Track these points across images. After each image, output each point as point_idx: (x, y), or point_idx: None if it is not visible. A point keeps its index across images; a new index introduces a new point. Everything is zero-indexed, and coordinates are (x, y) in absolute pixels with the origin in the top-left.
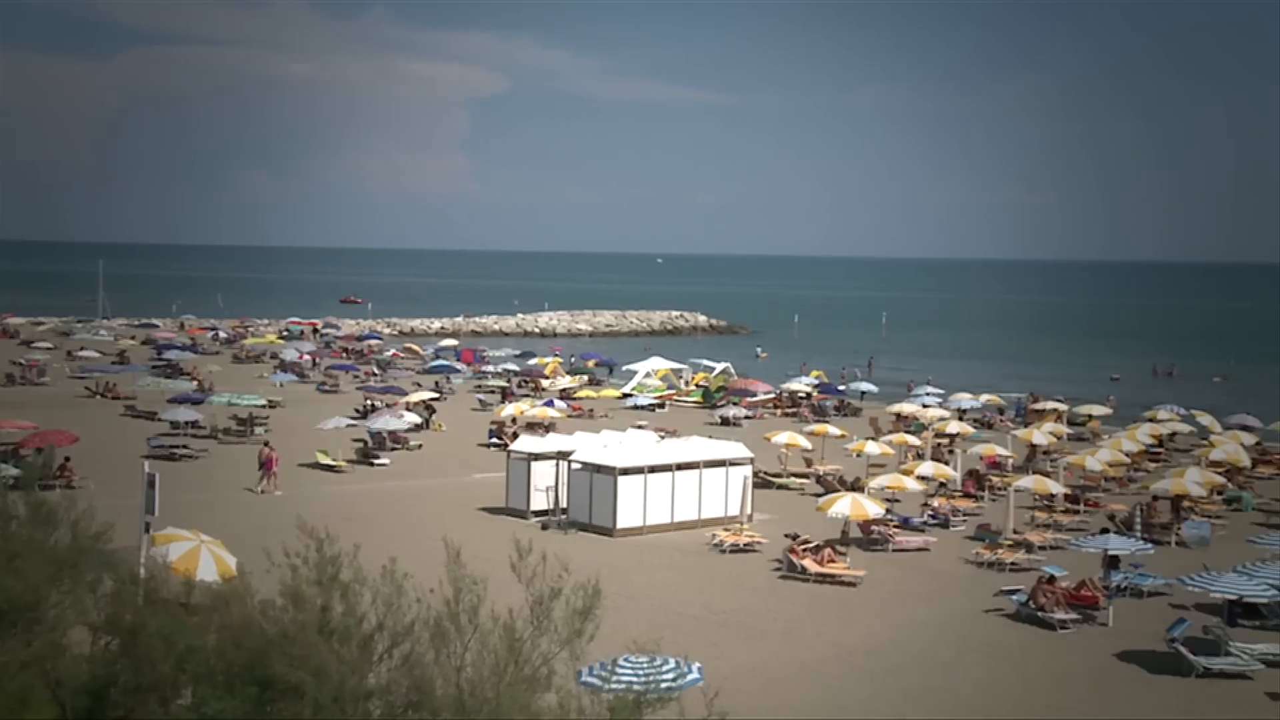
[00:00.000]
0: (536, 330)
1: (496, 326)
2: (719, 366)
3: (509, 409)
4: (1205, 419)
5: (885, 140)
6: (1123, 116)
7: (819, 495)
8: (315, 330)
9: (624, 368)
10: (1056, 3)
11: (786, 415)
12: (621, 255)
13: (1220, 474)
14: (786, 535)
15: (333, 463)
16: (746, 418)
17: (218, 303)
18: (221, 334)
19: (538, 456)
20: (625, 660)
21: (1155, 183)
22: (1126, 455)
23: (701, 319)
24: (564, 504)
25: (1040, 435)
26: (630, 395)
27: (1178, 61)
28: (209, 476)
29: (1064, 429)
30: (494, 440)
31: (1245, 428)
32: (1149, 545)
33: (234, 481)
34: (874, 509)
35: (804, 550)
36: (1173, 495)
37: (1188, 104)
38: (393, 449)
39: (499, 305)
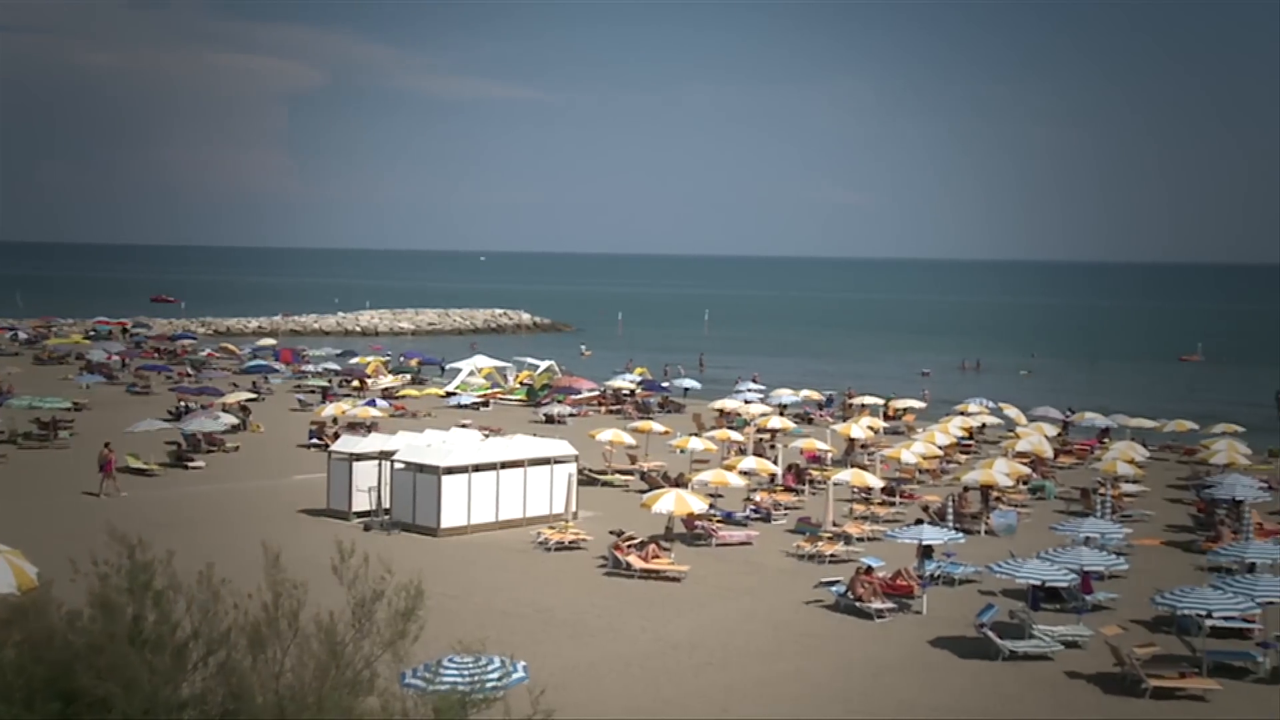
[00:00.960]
0: (358, 329)
1: (316, 325)
2: (543, 364)
3: (330, 409)
4: (1012, 411)
5: (712, 137)
6: (934, 116)
7: (643, 492)
8: (125, 330)
9: (448, 366)
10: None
11: (611, 413)
12: (444, 253)
13: (1025, 464)
14: (611, 532)
15: (144, 466)
16: (571, 415)
17: (17, 301)
18: (21, 334)
19: (360, 457)
20: (450, 661)
21: (974, 181)
22: (939, 448)
23: (525, 317)
24: (387, 504)
25: (858, 429)
26: (454, 394)
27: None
28: (8, 484)
29: (880, 423)
30: (314, 441)
31: (1052, 420)
32: (960, 535)
33: (37, 489)
34: (697, 504)
35: (629, 547)
36: (982, 486)
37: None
38: (208, 451)
39: (319, 304)
